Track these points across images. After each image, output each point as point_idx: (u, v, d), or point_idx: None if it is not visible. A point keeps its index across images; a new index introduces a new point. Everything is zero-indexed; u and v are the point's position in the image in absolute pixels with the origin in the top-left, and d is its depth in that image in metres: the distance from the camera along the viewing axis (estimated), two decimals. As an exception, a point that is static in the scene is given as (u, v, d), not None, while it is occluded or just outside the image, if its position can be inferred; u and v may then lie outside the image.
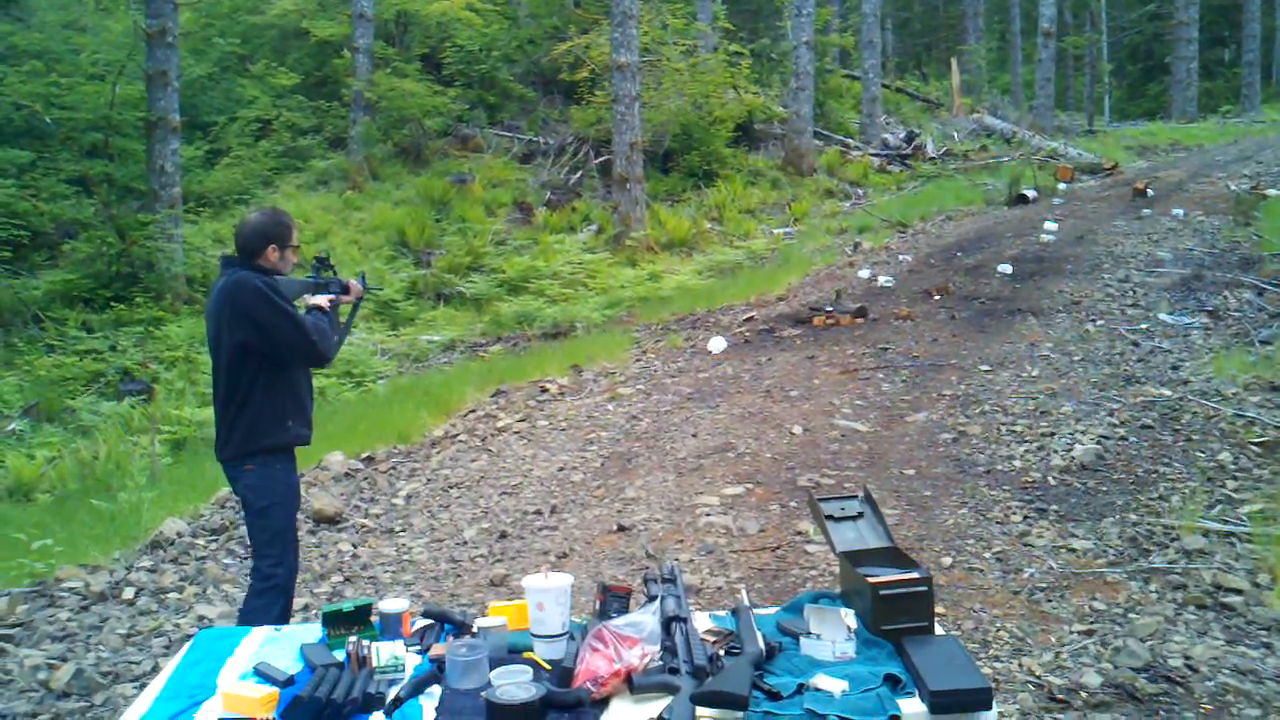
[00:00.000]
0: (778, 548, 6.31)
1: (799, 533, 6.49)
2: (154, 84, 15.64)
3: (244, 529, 7.18)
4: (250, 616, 4.57)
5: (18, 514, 8.69)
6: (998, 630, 5.04)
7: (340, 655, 3.09)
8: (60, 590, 6.26)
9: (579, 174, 21.13)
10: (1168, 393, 8.36)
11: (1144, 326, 10.44)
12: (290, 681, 2.99)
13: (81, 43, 19.19)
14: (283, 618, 4.58)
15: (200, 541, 7.13)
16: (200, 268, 15.29)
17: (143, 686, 4.55)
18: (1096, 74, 40.50)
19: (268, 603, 4.61)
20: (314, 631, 3.41)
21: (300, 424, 4.75)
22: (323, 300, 4.90)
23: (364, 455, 9.03)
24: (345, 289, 5.09)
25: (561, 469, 8.27)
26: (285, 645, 3.30)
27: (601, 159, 20.87)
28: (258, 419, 4.61)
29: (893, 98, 30.53)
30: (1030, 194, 19.74)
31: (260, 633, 3.47)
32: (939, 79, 36.20)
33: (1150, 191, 18.21)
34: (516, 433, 9.44)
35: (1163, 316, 10.71)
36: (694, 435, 8.66)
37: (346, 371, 13.00)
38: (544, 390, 10.70)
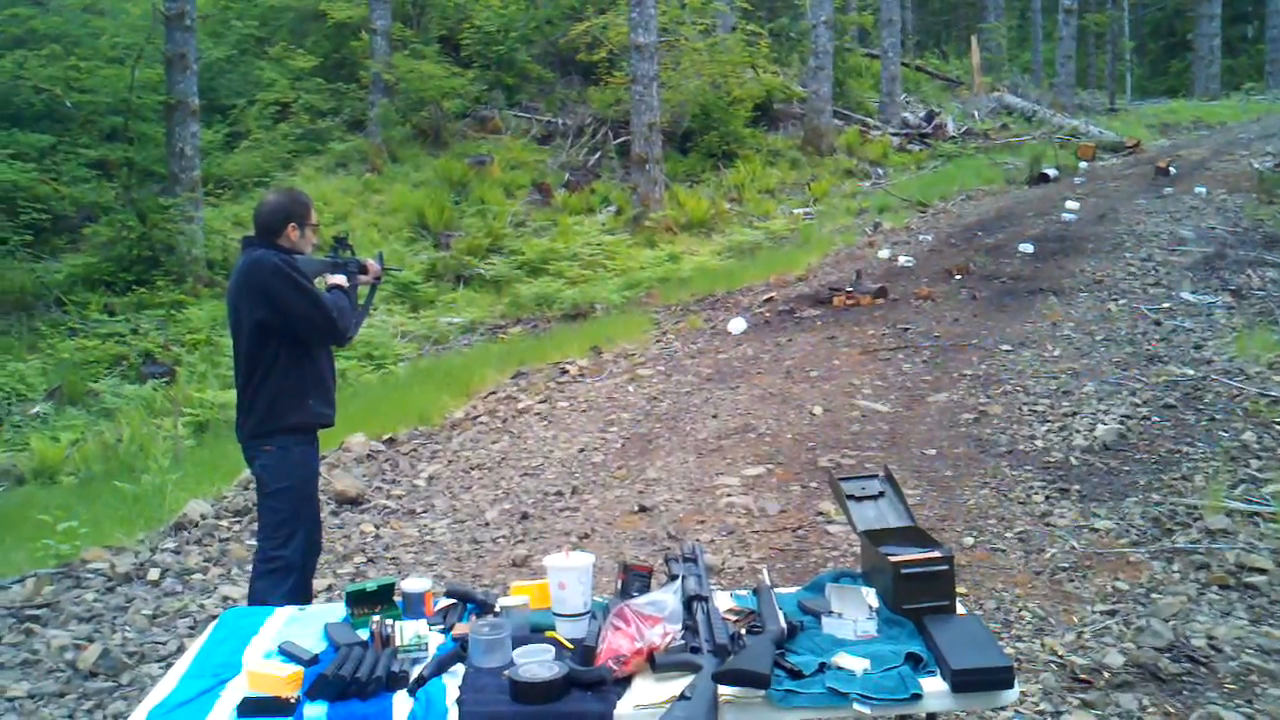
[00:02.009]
0: (798, 528, 6.32)
1: (820, 513, 6.49)
2: (173, 67, 15.67)
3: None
4: (257, 597, 4.61)
5: (43, 496, 8.75)
6: (1019, 610, 5.04)
7: (364, 634, 3.12)
8: (86, 572, 6.31)
9: (597, 155, 21.10)
10: (1190, 372, 8.32)
11: (1166, 305, 10.38)
12: (314, 660, 3.01)
13: (100, 26, 19.24)
14: (293, 597, 4.56)
15: (224, 523, 7.18)
16: (221, 250, 15.33)
17: (169, 666, 4.58)
18: (1118, 51, 40.20)
19: (273, 584, 4.61)
20: (338, 611, 3.43)
21: (322, 403, 4.74)
22: (341, 279, 4.90)
23: (385, 437, 9.07)
24: (363, 269, 5.08)
25: (582, 450, 8.28)
26: (309, 624, 3.33)
27: (620, 140, 20.82)
28: (277, 398, 4.60)
29: (913, 76, 30.34)
30: (1051, 173, 19.64)
31: (285, 612, 3.50)
32: (959, 57, 35.95)
33: (1173, 170, 18.10)
34: (537, 414, 9.45)
35: (1185, 295, 10.64)
36: (714, 416, 8.66)
37: (367, 354, 13.03)
38: (564, 372, 10.71)
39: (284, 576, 4.64)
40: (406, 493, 7.77)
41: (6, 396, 11.77)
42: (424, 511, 7.36)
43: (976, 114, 26.80)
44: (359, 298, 5.08)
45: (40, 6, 19.20)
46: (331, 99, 21.76)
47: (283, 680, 2.80)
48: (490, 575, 6.09)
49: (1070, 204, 15.85)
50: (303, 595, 4.75)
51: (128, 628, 5.51)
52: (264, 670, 2.86)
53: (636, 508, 6.89)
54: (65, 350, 12.71)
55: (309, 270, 4.73)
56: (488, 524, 6.98)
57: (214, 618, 4.40)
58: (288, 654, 3.05)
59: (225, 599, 5.92)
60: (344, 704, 2.77)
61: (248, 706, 2.76)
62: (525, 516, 7.01)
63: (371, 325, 14.17)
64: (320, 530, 4.98)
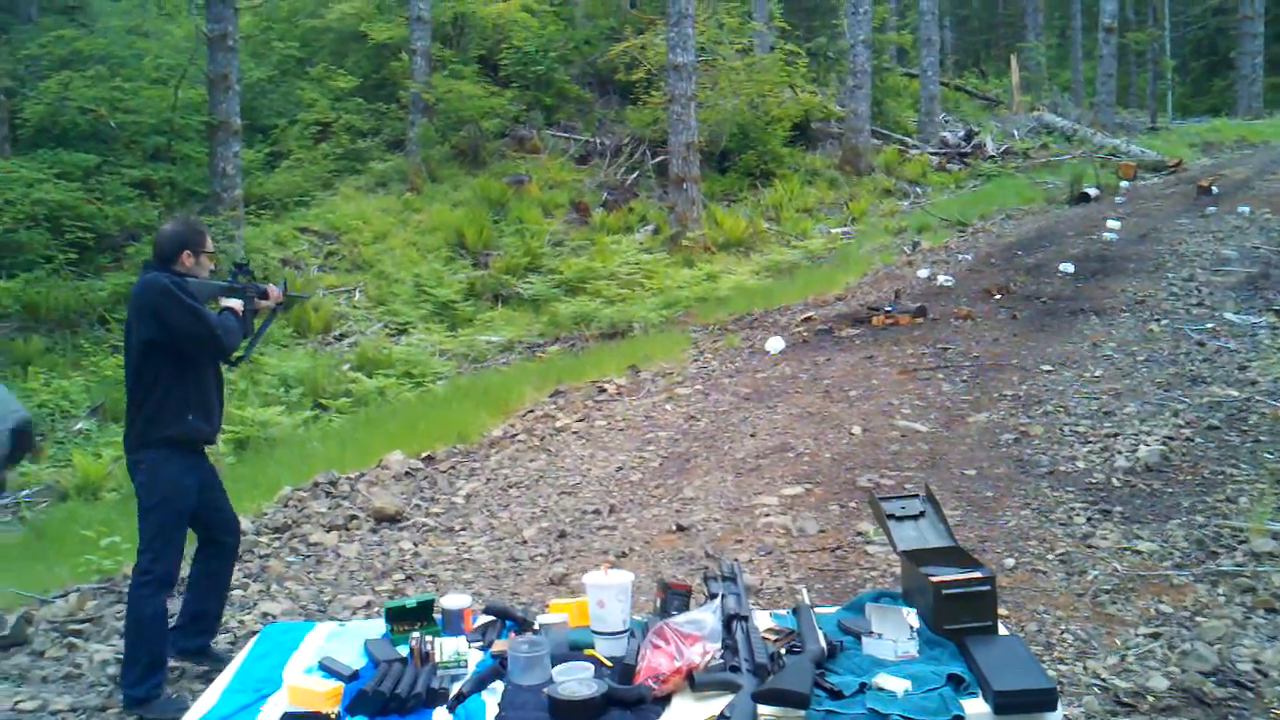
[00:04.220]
0: (837, 548, 6.28)
1: (859, 533, 6.45)
2: (215, 88, 15.85)
3: (307, 526, 7.30)
4: (132, 606, 4.90)
5: (86, 511, 8.83)
6: (1061, 632, 4.98)
7: (404, 650, 3.12)
8: (128, 587, 6.35)
9: (635, 174, 21.14)
10: (1234, 393, 8.23)
11: (1209, 326, 10.28)
12: (355, 676, 3.02)
13: (144, 47, 19.47)
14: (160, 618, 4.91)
15: (264, 539, 7.22)
16: (261, 269, 15.43)
17: (209, 681, 4.60)
18: (1159, 70, 39.93)
19: (148, 595, 4.86)
20: (378, 627, 3.44)
21: (200, 419, 4.97)
22: (235, 303, 5.13)
23: (424, 455, 9.10)
24: (264, 294, 5.35)
25: (620, 469, 8.28)
26: (349, 640, 3.34)
27: (658, 159, 20.85)
28: (159, 411, 4.84)
29: (951, 95, 30.28)
30: (1092, 192, 19.51)
31: (325, 628, 3.51)
32: (998, 76, 35.85)
33: (1215, 189, 17.94)
34: (575, 433, 9.46)
35: (1229, 316, 10.54)
36: (752, 435, 8.63)
37: (406, 372, 13.09)
38: (602, 390, 10.71)
39: (157, 590, 4.90)
40: (445, 510, 7.79)
41: (51, 413, 11.91)
42: (462, 529, 7.37)
43: (1016, 133, 26.69)
44: (257, 322, 5.37)
45: (86, 28, 19.46)
46: (371, 119, 21.91)
47: (323, 696, 2.80)
48: (528, 593, 6.09)
49: (1111, 223, 15.74)
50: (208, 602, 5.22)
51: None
52: (305, 685, 2.87)
53: (674, 527, 6.88)
54: (108, 368, 12.83)
55: (203, 293, 4.99)
56: (525, 542, 6.99)
57: (254, 633, 4.43)
58: (328, 669, 3.06)
59: (265, 615, 5.95)
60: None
61: (288, 721, 2.77)
62: (563, 535, 7.01)
63: (409, 344, 14.25)
64: (231, 530, 5.34)
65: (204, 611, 5.25)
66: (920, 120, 26.41)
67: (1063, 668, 4.64)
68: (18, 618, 5.86)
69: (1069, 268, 13.34)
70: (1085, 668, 4.64)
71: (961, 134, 25.87)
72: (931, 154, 24.38)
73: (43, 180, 15.26)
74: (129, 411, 4.96)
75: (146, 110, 17.74)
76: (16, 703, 4.97)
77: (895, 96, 28.03)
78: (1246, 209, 15.89)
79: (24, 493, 9.76)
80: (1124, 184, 20.76)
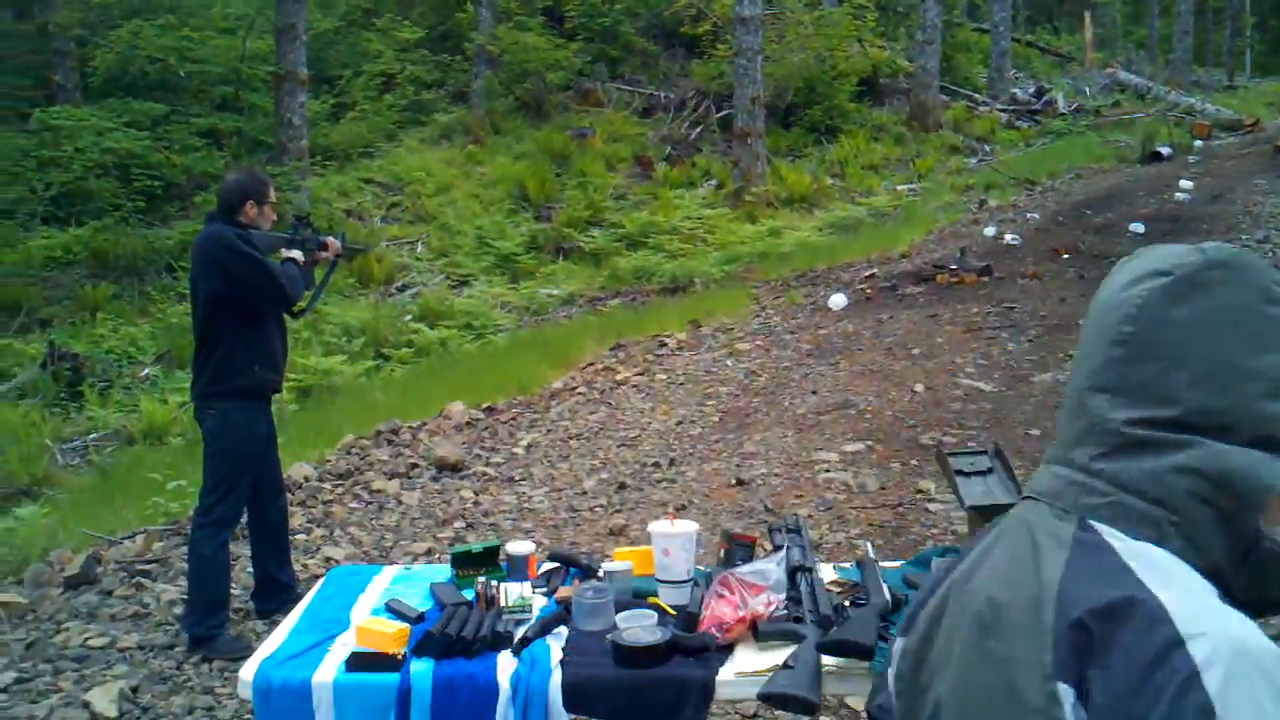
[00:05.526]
0: (898, 505, 6.25)
1: (920, 491, 6.42)
2: (283, 38, 15.91)
3: (369, 474, 7.37)
4: (193, 547, 5.04)
5: (152, 456, 8.98)
6: (1126, 594, 4.93)
7: (469, 595, 3.14)
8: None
9: (699, 129, 21.00)
10: (1309, 356, 8.06)
11: (1284, 288, 10.05)
12: (421, 618, 3.05)
13: (213, -3, 19.60)
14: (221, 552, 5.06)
15: (327, 486, 7.30)
16: (326, 219, 15.54)
17: (273, 624, 4.68)
18: (1238, 28, 38.96)
19: (208, 535, 5.00)
20: (443, 571, 3.46)
21: (267, 370, 5.09)
22: (297, 254, 5.21)
23: (485, 405, 9.15)
24: (323, 246, 5.44)
25: (680, 422, 8.28)
26: (415, 584, 3.37)
27: (722, 113, 20.69)
28: (225, 362, 4.95)
29: (1022, 52, 29.73)
30: (1165, 151, 19.12)
31: (390, 571, 3.54)
32: (1071, 33, 35.18)
33: (1293, 149, 17.53)
34: (635, 386, 9.47)
35: (1304, 278, 10.30)
36: (813, 392, 8.59)
37: (467, 324, 13.15)
38: (663, 345, 10.70)
39: (218, 530, 5.03)
40: (505, 460, 7.84)
41: (118, 359, 12.09)
42: (522, 479, 7.41)
43: (1088, 90, 26.18)
44: (317, 274, 5.54)
45: (156, -23, 19.59)
46: (436, 71, 21.91)
47: (390, 636, 2.83)
48: (587, 543, 6.12)
49: (1184, 183, 15.43)
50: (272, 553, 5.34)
51: (234, 584, 5.63)
52: (372, 626, 2.90)
53: (734, 480, 6.88)
54: (175, 315, 12.98)
55: (265, 244, 5.07)
56: (585, 493, 7.02)
57: (317, 577, 4.49)
58: (394, 611, 3.09)
59: (328, 559, 6.03)
60: (449, 662, 2.79)
61: (356, 661, 2.80)
62: (623, 486, 7.03)
63: (471, 296, 14.31)
64: (277, 492, 5.40)
65: (270, 578, 5.34)
66: (990, 76, 25.97)
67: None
68: (87, 557, 5.99)
69: (1139, 228, 13.10)
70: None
71: (1032, 91, 25.45)
72: (1001, 111, 24.01)
73: (112, 129, 15.43)
74: (196, 362, 5.07)
75: (214, 60, 17.86)
76: (86, 639, 5.09)
77: (965, 52, 27.57)
78: (1325, 170, 15.52)
79: (91, 436, 9.93)
80: (1198, 143, 20.32)
